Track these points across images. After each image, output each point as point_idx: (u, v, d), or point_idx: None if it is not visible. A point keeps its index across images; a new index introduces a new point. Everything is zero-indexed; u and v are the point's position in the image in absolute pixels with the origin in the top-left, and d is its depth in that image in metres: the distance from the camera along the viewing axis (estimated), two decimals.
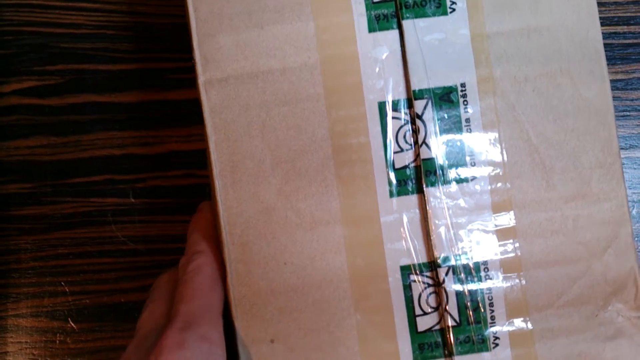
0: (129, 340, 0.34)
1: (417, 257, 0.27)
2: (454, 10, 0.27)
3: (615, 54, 0.38)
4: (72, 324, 0.35)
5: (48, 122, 0.36)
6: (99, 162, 0.36)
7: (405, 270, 0.27)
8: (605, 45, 0.37)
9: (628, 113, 0.37)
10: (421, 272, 0.27)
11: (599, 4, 0.37)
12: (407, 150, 0.27)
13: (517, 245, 0.27)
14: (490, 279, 0.27)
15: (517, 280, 0.27)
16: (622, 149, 0.37)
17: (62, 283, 0.36)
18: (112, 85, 0.36)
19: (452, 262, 0.27)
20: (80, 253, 0.36)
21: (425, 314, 0.27)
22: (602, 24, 0.37)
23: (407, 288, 0.27)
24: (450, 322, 0.27)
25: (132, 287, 0.36)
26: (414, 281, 0.27)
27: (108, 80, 0.36)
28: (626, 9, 0.38)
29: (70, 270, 0.36)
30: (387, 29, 0.27)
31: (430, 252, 0.27)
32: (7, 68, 0.36)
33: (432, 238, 0.27)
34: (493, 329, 0.27)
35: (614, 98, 0.37)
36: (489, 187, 0.27)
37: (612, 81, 0.37)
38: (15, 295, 0.36)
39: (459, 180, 0.27)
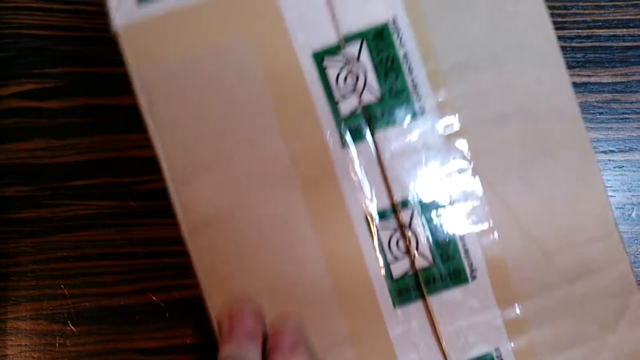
0: (128, 343, 0.34)
1: None
2: (423, 112, 0.27)
3: (615, 57, 0.37)
4: (72, 327, 0.35)
5: (47, 125, 0.36)
6: (98, 165, 0.36)
7: None
8: (605, 48, 0.38)
9: (627, 116, 0.37)
10: None
11: (598, 7, 0.38)
12: (402, 258, 0.27)
13: (528, 335, 0.27)
14: None
15: None
16: (621, 151, 0.37)
17: (62, 286, 0.36)
18: (110, 88, 0.36)
19: None
20: (80, 256, 0.36)
21: None
22: (601, 27, 0.38)
23: None
24: None
25: (132, 290, 0.36)
26: None
27: (107, 83, 0.36)
28: (625, 11, 0.38)
29: (70, 273, 0.36)
30: (361, 139, 0.27)
31: (446, 359, 0.27)
32: (7, 71, 0.36)
33: (443, 345, 0.27)
34: None
35: (614, 101, 0.37)
36: (491, 285, 0.27)
37: (611, 84, 0.37)
38: (14, 298, 0.36)
39: (459, 282, 0.27)
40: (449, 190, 0.27)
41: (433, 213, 0.27)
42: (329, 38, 0.27)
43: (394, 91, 0.27)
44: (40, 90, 0.36)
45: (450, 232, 0.27)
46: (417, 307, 0.27)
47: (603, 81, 0.37)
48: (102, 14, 0.36)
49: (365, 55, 0.27)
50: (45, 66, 0.37)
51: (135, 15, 0.27)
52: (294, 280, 0.27)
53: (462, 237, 0.27)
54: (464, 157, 0.27)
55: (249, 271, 0.27)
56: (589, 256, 0.27)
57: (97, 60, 0.37)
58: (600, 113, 0.37)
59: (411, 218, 0.27)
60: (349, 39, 0.27)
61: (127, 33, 0.27)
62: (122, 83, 0.36)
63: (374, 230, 0.27)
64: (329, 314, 0.27)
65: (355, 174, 0.27)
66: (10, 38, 0.36)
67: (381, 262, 0.27)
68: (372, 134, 0.27)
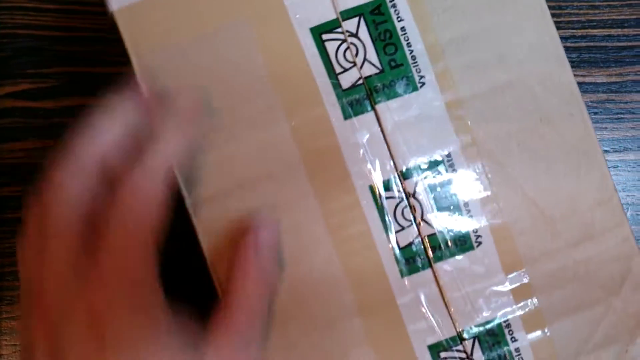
0: None
1: (443, 332, 0.27)
2: (423, 84, 0.27)
3: (610, 57, 0.38)
4: None
5: (43, 125, 0.36)
6: None
7: (435, 349, 0.27)
8: (600, 47, 0.38)
9: (622, 116, 0.37)
10: (450, 347, 0.27)
11: (593, 7, 0.38)
12: (408, 227, 0.27)
13: (535, 301, 0.27)
14: (516, 340, 0.27)
15: (543, 335, 0.27)
16: (616, 151, 0.38)
17: None
18: (106, 89, 0.36)
19: (476, 331, 0.27)
20: None
21: None
22: (595, 27, 0.38)
23: None
24: None
25: None
26: (445, 358, 0.27)
27: (102, 83, 0.36)
28: (620, 11, 0.38)
29: None
30: (363, 112, 0.27)
31: (454, 325, 0.27)
32: (2, 70, 0.36)
33: (451, 312, 0.27)
34: None
35: (608, 101, 0.37)
36: (496, 250, 0.27)
37: (606, 84, 0.37)
38: (9, 298, 0.36)
39: (465, 249, 0.27)
40: (450, 159, 0.27)
41: (436, 182, 0.27)
42: (327, 14, 0.27)
43: (394, 64, 0.27)
44: (36, 90, 0.36)
45: (454, 200, 0.27)
46: (424, 275, 0.27)
47: (598, 81, 0.38)
48: (97, 14, 0.37)
49: (363, 30, 0.27)
50: (40, 66, 0.36)
51: None
52: (300, 254, 0.27)
53: (466, 205, 0.27)
54: (464, 127, 0.27)
55: None
56: (591, 221, 0.28)
57: (93, 60, 0.37)
58: (595, 113, 0.38)
59: (415, 187, 0.27)
60: (346, 14, 0.27)
61: (124, 15, 0.27)
62: (117, 83, 0.36)
63: (379, 200, 0.27)
64: (337, 286, 0.27)
65: (358, 145, 0.27)
66: (6, 38, 0.36)
67: (387, 232, 0.27)
68: (374, 106, 0.27)
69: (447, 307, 0.27)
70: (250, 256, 0.25)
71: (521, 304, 0.27)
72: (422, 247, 0.27)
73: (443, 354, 0.27)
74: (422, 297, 0.27)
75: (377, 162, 0.27)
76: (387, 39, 0.27)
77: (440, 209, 0.27)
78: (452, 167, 0.27)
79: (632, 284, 0.28)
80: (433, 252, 0.27)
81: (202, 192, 0.27)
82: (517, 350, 0.27)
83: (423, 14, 0.27)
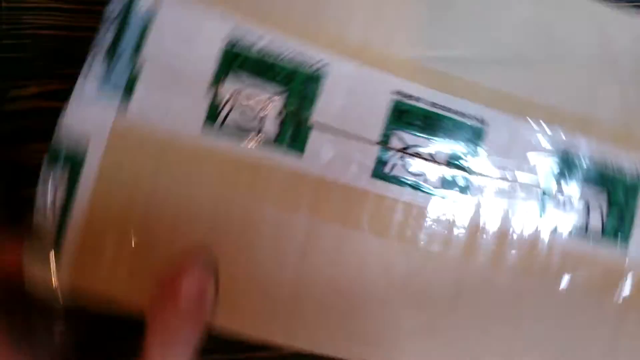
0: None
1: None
2: (326, 71, 0.27)
3: None
4: None
5: None
6: None
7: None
8: None
9: None
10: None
11: None
12: (430, 172, 0.27)
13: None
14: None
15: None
16: None
17: None
18: None
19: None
20: None
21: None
22: None
23: None
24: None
25: None
26: None
27: None
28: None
29: None
30: (306, 139, 0.27)
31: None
32: (27, 71, 0.36)
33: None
34: None
35: None
36: (504, 118, 0.28)
37: None
38: None
39: (481, 138, 0.27)
40: (406, 95, 0.27)
41: (412, 122, 0.27)
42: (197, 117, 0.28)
43: (288, 79, 0.27)
44: (61, 91, 0.37)
45: (443, 121, 0.27)
46: (479, 191, 0.27)
47: None
48: None
49: (237, 86, 0.27)
50: (65, 66, 0.37)
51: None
52: (377, 276, 0.27)
53: (456, 112, 0.27)
54: (393, 64, 0.27)
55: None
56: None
57: None
58: None
59: (402, 141, 0.27)
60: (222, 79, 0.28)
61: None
62: None
63: (390, 177, 0.27)
64: (438, 264, 0.27)
65: (329, 162, 0.27)
66: (30, 39, 0.37)
67: (422, 190, 0.27)
68: (307, 125, 0.27)
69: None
70: (168, 309, 0.24)
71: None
72: (457, 173, 0.27)
73: None
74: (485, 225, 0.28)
75: (356, 158, 0.27)
76: (263, 70, 0.27)
77: (438, 136, 0.27)
78: (413, 99, 0.27)
79: None
80: (466, 170, 0.27)
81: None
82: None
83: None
